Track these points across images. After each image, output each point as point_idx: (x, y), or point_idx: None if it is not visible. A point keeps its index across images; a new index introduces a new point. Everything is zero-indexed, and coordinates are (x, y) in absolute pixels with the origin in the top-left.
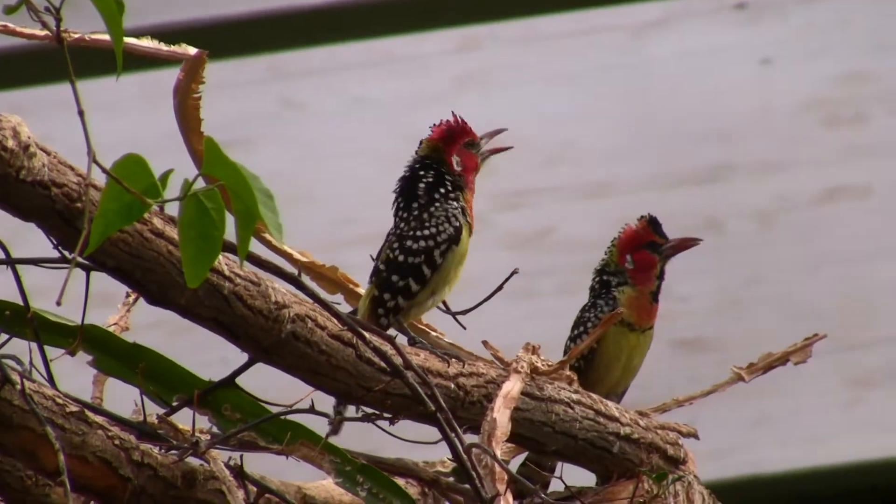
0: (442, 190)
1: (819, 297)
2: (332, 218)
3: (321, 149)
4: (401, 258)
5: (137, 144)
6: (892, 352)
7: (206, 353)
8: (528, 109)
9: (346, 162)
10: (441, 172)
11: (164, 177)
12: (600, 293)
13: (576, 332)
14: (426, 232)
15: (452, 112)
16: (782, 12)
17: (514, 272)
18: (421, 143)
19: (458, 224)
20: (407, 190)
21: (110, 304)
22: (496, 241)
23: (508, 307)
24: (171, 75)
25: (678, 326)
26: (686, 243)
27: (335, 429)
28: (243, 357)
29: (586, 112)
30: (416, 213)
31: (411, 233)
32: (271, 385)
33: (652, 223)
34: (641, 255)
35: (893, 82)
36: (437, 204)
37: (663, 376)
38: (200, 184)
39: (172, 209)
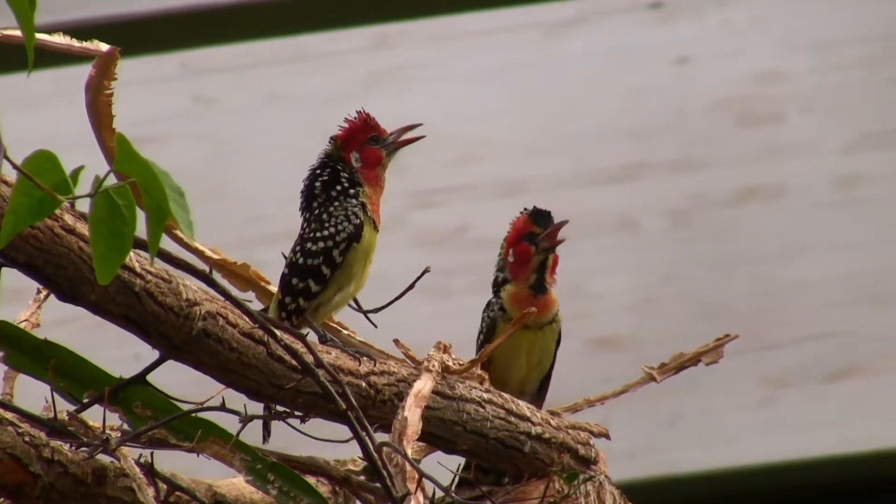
0: (338, 187)
1: (733, 296)
2: (244, 215)
3: (234, 146)
4: (300, 261)
5: (50, 140)
6: (804, 352)
7: (119, 350)
8: (442, 107)
9: (258, 159)
10: (337, 170)
11: (76, 173)
12: (495, 291)
13: (479, 330)
14: (325, 232)
15: (359, 109)
16: (698, 12)
17: (426, 270)
18: (329, 140)
19: (357, 221)
20: (307, 191)
21: (21, 300)
22: (410, 240)
23: (422, 306)
24: (84, 71)
25: (592, 325)
26: (556, 228)
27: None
28: (155, 354)
29: (500, 110)
30: (315, 213)
31: (311, 234)
32: (182, 382)
33: (533, 214)
34: (520, 248)
35: (808, 82)
36: (337, 203)
37: (577, 375)
38: (112, 180)
39: (84, 206)
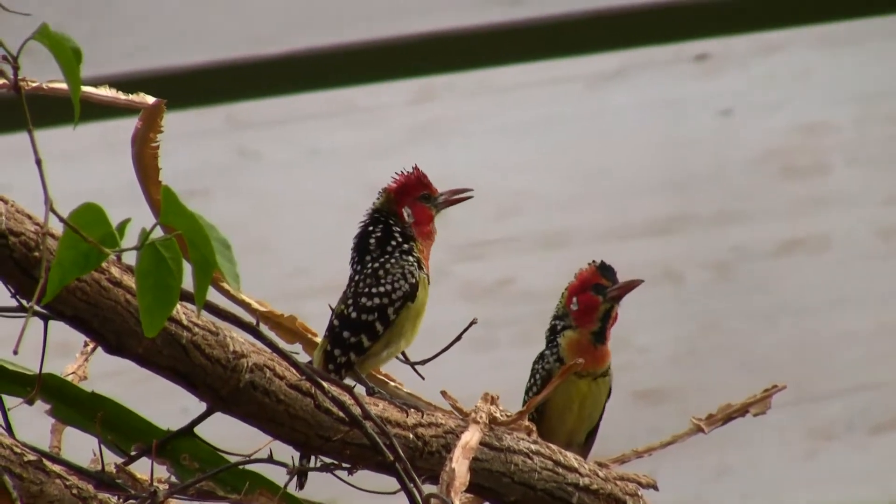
0: (393, 242)
1: (776, 348)
2: (288, 268)
3: (277, 199)
4: (353, 314)
5: (95, 194)
6: (849, 403)
7: (166, 403)
8: (484, 160)
9: (302, 212)
10: (389, 224)
11: (122, 226)
12: (550, 340)
13: (530, 381)
14: (381, 289)
15: (415, 165)
16: (743, 63)
17: (473, 322)
18: (379, 193)
19: (414, 281)
20: (360, 244)
21: (69, 354)
22: (454, 292)
23: (467, 358)
24: (130, 124)
25: (637, 377)
26: (630, 285)
27: (299, 480)
28: (202, 406)
29: (542, 162)
30: (370, 267)
31: (366, 289)
32: (229, 434)
33: (601, 268)
34: (586, 297)
35: (852, 133)
36: (393, 259)
37: (623, 427)
38: (158, 233)
39: (130, 258)
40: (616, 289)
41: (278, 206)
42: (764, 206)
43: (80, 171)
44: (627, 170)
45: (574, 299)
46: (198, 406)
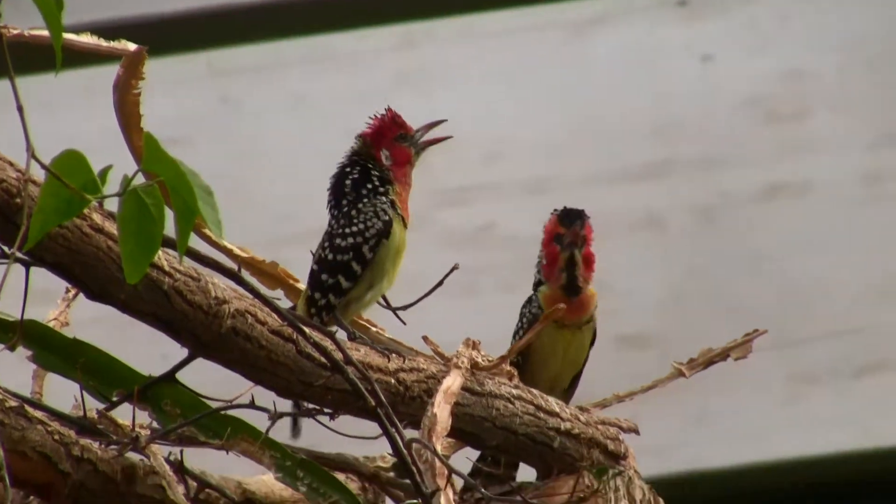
0: (369, 185)
1: (759, 293)
2: (271, 214)
3: (259, 146)
4: (330, 256)
5: (76, 140)
6: (831, 348)
7: (146, 350)
8: (468, 106)
9: (284, 159)
10: (367, 168)
11: (104, 173)
12: (534, 290)
13: (518, 324)
14: (354, 228)
15: (387, 107)
16: (724, 9)
17: (455, 268)
18: (356, 138)
19: (387, 218)
20: (336, 188)
21: (50, 301)
22: (436, 239)
23: (449, 304)
24: (111, 72)
25: (621, 322)
26: (574, 229)
27: (294, 429)
28: (183, 353)
29: (526, 108)
30: (345, 210)
31: (340, 230)
32: (211, 380)
33: (561, 216)
34: (550, 249)
35: (833, 79)
36: (366, 200)
37: (605, 372)
38: (140, 180)
39: (112, 205)
40: (567, 235)
41: (260, 153)
42: (747, 152)
43: (61, 118)
44: (610, 116)
45: (542, 252)
46: (178, 352)
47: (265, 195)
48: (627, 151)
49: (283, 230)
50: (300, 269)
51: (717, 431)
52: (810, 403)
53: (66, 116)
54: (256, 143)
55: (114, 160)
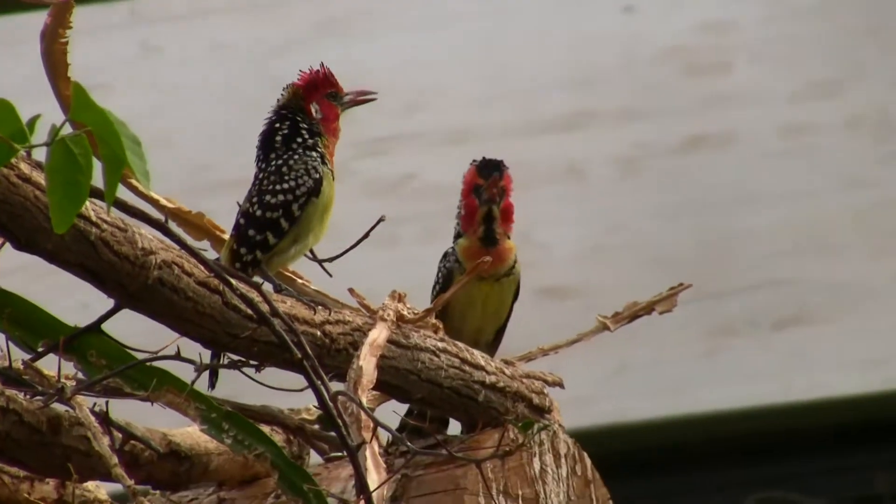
0: (299, 139)
1: (680, 245)
2: (190, 163)
3: (180, 94)
4: (258, 212)
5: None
6: (751, 300)
7: (66, 299)
8: (388, 56)
9: (204, 107)
10: (297, 121)
11: (32, 122)
12: (454, 241)
13: (435, 279)
14: (285, 185)
15: (322, 63)
16: None
17: (381, 220)
18: (285, 88)
19: (318, 176)
20: (265, 142)
21: None
22: (358, 189)
23: (370, 254)
24: (32, 19)
25: (539, 274)
26: (493, 181)
27: (211, 380)
28: (102, 302)
29: (447, 59)
30: (273, 165)
31: (270, 186)
32: (137, 331)
33: (479, 167)
34: (469, 201)
35: (755, 31)
36: (297, 156)
37: (526, 324)
38: (68, 129)
39: (40, 155)
40: (484, 189)
41: (181, 101)
42: (668, 104)
43: None
44: (532, 66)
45: (461, 203)
46: (99, 301)
47: (184, 143)
48: (548, 102)
49: (203, 179)
50: (220, 219)
51: (635, 384)
52: (729, 356)
53: None
54: (176, 91)
55: (36, 109)
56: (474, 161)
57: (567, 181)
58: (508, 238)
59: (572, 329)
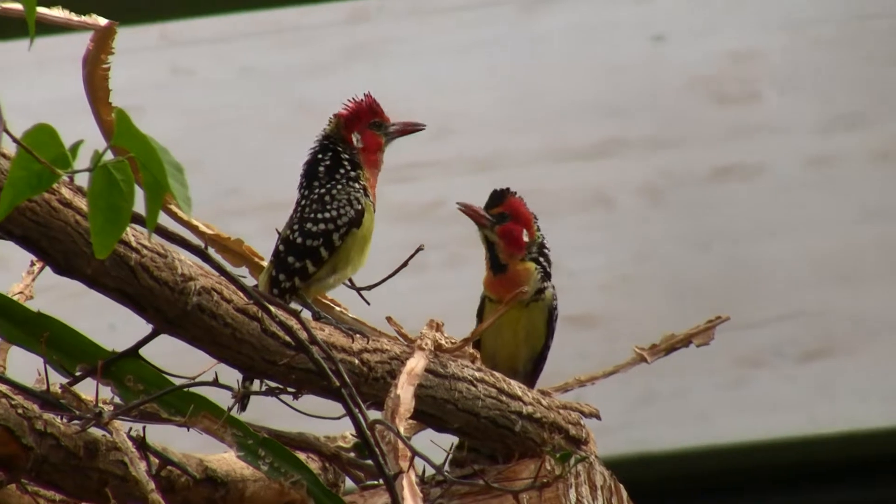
0: (342, 170)
1: (706, 275)
2: (218, 187)
3: (209, 117)
4: (298, 240)
5: (28, 110)
6: (777, 332)
7: (94, 320)
8: (416, 81)
9: (233, 131)
10: (338, 151)
11: (75, 147)
12: None
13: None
14: (326, 215)
15: (367, 92)
16: None
17: (420, 248)
18: (330, 119)
19: (360, 207)
20: (309, 171)
21: (5, 268)
22: (385, 214)
23: (397, 280)
24: (61, 42)
25: (566, 302)
26: (475, 213)
27: (241, 403)
28: (130, 324)
29: (476, 85)
30: (316, 193)
31: (311, 214)
32: (166, 352)
33: (490, 197)
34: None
35: (782, 61)
36: (340, 186)
37: (552, 352)
38: (109, 155)
39: (82, 180)
40: (483, 217)
41: (210, 125)
42: (695, 133)
43: (8, 86)
44: (560, 94)
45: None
46: (126, 323)
47: (214, 167)
48: (576, 130)
49: (232, 203)
50: (248, 243)
51: (661, 414)
52: (756, 387)
53: (17, 85)
54: (206, 115)
55: (70, 131)
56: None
57: (594, 209)
58: (523, 260)
59: (599, 357)
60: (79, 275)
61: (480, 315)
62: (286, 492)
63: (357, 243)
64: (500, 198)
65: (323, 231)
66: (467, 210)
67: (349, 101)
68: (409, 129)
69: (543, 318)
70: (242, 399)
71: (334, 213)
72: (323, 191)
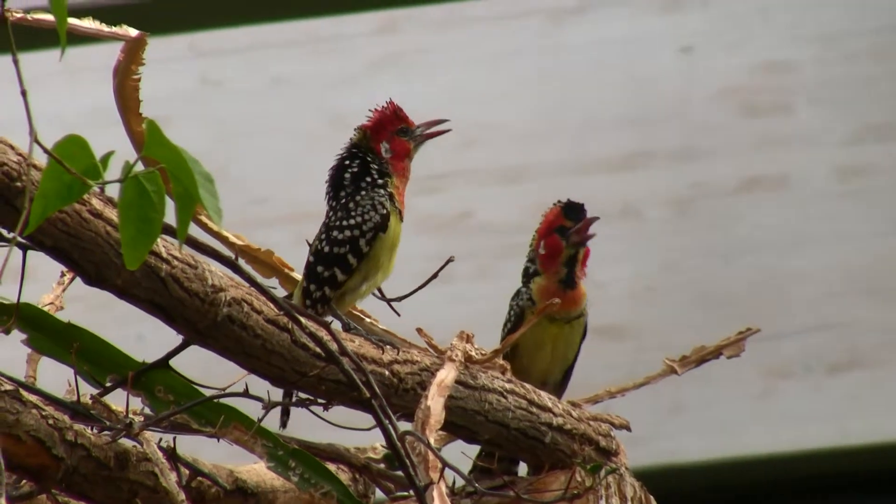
0: (368, 178)
1: (734, 286)
2: (247, 196)
3: (239, 127)
4: (326, 248)
5: (60, 120)
6: (805, 343)
7: (122, 330)
8: (445, 92)
9: (263, 140)
10: (367, 161)
11: (105, 158)
12: (524, 281)
13: (506, 318)
14: (352, 221)
15: (389, 99)
16: (703, 1)
17: (450, 260)
18: (355, 131)
19: (384, 212)
20: (335, 180)
21: (35, 279)
22: (413, 225)
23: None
24: (96, 52)
25: (594, 313)
26: (587, 224)
27: (283, 420)
28: (157, 334)
29: (504, 96)
30: (342, 202)
31: (338, 223)
32: (192, 362)
33: (565, 208)
34: (551, 241)
35: (812, 73)
36: (364, 192)
37: (579, 363)
38: (139, 166)
39: (112, 191)
40: (576, 231)
41: (239, 135)
42: (724, 144)
43: (39, 96)
44: (588, 105)
45: (541, 243)
46: (153, 333)
47: (243, 176)
48: (604, 141)
49: (260, 212)
50: (279, 252)
51: (690, 425)
52: (784, 398)
53: (48, 96)
54: (235, 125)
55: (98, 140)
56: (559, 202)
57: (622, 220)
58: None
59: (626, 368)
60: (109, 286)
61: (517, 326)
62: (316, 502)
63: (385, 249)
64: (581, 214)
65: (349, 238)
66: (587, 223)
67: (373, 110)
68: (436, 130)
69: (580, 334)
70: (282, 414)
71: (359, 218)
72: (349, 199)
